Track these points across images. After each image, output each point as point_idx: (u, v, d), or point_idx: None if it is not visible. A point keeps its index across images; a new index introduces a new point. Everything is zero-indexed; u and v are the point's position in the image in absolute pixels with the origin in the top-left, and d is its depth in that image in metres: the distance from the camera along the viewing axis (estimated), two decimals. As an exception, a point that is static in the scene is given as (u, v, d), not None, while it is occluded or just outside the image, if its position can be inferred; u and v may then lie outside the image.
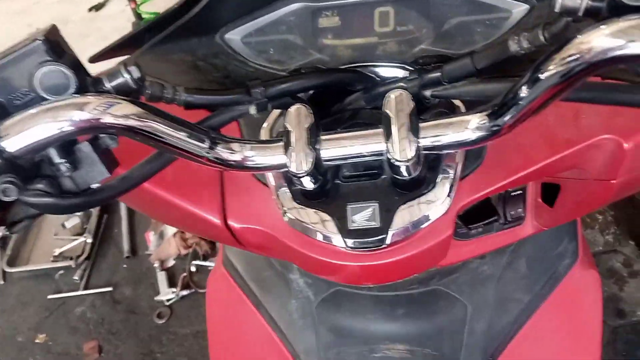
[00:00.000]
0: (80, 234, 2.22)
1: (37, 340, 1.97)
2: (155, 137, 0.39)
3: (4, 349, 1.97)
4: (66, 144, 0.39)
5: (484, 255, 0.78)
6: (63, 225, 2.26)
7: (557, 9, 0.34)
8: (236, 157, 0.42)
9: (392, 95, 0.43)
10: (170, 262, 2.08)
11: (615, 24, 0.31)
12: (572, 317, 0.83)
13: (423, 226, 0.46)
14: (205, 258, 2.04)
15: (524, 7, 0.57)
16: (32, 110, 0.36)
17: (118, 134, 0.40)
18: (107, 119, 0.37)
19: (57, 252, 2.19)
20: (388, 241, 0.46)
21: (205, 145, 0.41)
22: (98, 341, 1.92)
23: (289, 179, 0.49)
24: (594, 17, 0.33)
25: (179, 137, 0.40)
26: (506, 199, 0.58)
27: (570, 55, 0.33)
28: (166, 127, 0.39)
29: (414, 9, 0.65)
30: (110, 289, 2.06)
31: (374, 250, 0.47)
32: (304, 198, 0.48)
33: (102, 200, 0.42)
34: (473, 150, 0.50)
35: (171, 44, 0.63)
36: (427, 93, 0.46)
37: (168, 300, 1.97)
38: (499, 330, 0.80)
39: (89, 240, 2.18)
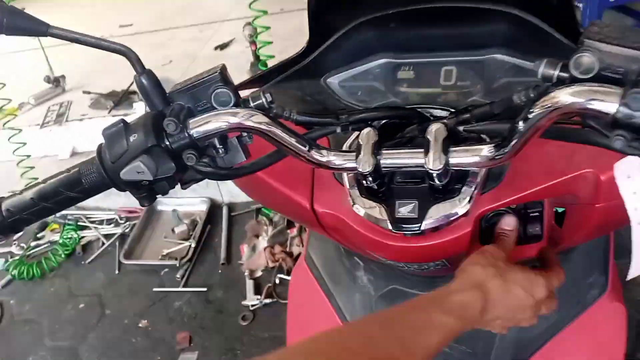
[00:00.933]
0: (186, 239, 2.52)
1: (140, 325, 2.25)
2: (275, 138, 0.62)
3: (112, 328, 2.28)
4: (223, 137, 0.63)
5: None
6: (173, 230, 2.58)
7: (539, 77, 0.54)
8: (324, 158, 0.65)
9: (433, 126, 0.63)
10: (259, 273, 2.31)
11: (571, 88, 0.50)
12: (594, 342, 0.94)
13: (448, 222, 0.65)
14: (289, 273, 2.23)
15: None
16: (209, 114, 0.60)
17: (254, 134, 0.63)
18: (248, 123, 0.61)
19: (165, 252, 2.49)
20: (422, 228, 0.65)
21: (305, 148, 0.64)
22: (190, 333, 2.18)
23: (359, 180, 0.70)
24: (562, 83, 0.52)
25: (289, 140, 0.63)
26: (526, 218, 0.75)
27: (546, 104, 0.52)
28: (283, 132, 0.62)
29: (472, 70, 0.84)
30: (205, 289, 2.31)
31: (412, 234, 0.66)
32: (368, 194, 0.69)
33: (238, 174, 0.65)
34: (494, 174, 0.68)
35: (288, 82, 0.88)
36: (461, 128, 0.66)
37: (252, 305, 2.17)
38: (527, 340, 0.93)
39: (193, 245, 2.46)
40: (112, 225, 2.74)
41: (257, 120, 0.61)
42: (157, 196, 0.63)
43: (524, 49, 0.80)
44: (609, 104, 0.47)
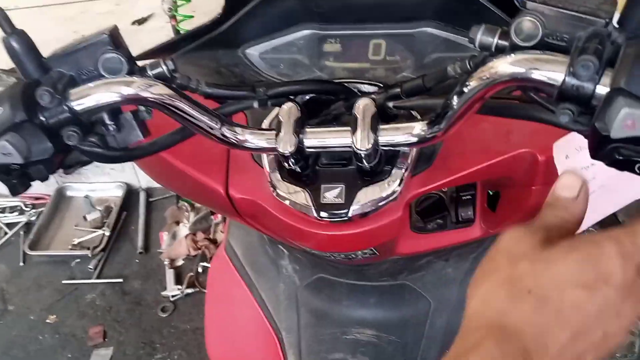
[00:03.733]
0: (100, 227, 2.35)
1: (47, 321, 2.09)
2: (180, 113, 0.53)
3: (16, 326, 2.09)
4: (115, 111, 0.53)
5: (448, 258, 0.90)
6: (85, 218, 2.41)
7: (476, 45, 0.48)
8: (238, 137, 0.56)
9: (360, 102, 0.56)
10: (180, 262, 2.20)
11: (511, 57, 0.45)
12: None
13: (377, 207, 0.59)
14: (212, 260, 2.17)
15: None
16: (94, 83, 0.50)
17: (153, 107, 0.54)
18: (145, 94, 0.51)
19: (76, 241, 2.31)
20: (349, 214, 0.59)
21: (216, 125, 0.55)
22: (103, 327, 2.04)
23: (280, 162, 0.62)
24: (502, 52, 0.47)
25: (197, 116, 0.54)
26: (458, 201, 0.70)
27: (483, 76, 0.46)
28: (188, 107, 0.53)
29: (402, 44, 0.79)
30: (120, 280, 2.18)
31: (338, 221, 0.60)
32: (290, 177, 0.62)
33: (133, 156, 0.56)
34: (425, 154, 0.63)
35: (200, 52, 0.78)
36: (391, 104, 0.60)
37: (173, 296, 2.07)
38: (457, 327, 0.91)
39: (107, 234, 2.30)
40: (16, 213, 2.51)
41: (157, 92, 0.52)
42: (32, 183, 0.52)
43: (456, 22, 0.75)
44: (554, 73, 0.42)
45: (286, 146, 0.56)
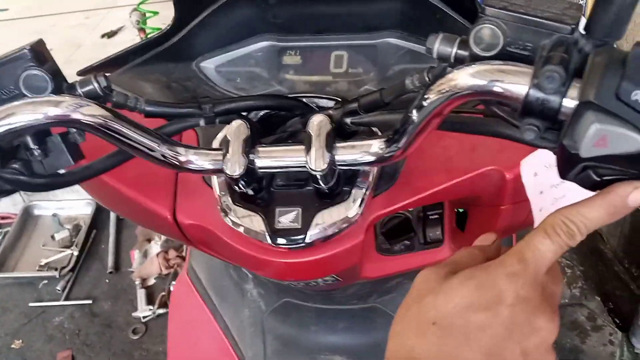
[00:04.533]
0: (68, 247, 2.26)
1: (13, 346, 1.99)
2: (115, 135, 0.48)
3: (-20, 352, 2.00)
4: (40, 134, 0.48)
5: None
6: (52, 237, 2.32)
7: (434, 55, 0.44)
8: (181, 158, 0.51)
9: (315, 118, 0.52)
10: (152, 281, 2.12)
11: (471, 68, 0.41)
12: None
13: (337, 230, 0.55)
14: (185, 279, 2.10)
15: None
16: (15, 103, 0.45)
17: (85, 130, 0.49)
18: (75, 116, 0.46)
19: (43, 262, 2.21)
20: (307, 240, 0.54)
21: (157, 146, 0.50)
22: (72, 351, 1.95)
23: (230, 184, 0.57)
24: (461, 63, 0.43)
25: (134, 137, 0.49)
26: (425, 221, 0.66)
27: (442, 89, 0.42)
28: (125, 128, 0.48)
29: (364, 56, 0.75)
30: (90, 301, 2.09)
31: (295, 248, 0.55)
32: (242, 201, 0.57)
33: (64, 183, 0.50)
34: (387, 173, 0.58)
35: (151, 65, 0.73)
36: (348, 121, 0.56)
37: (144, 317, 1.99)
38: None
39: (76, 253, 2.21)
40: (-20, 233, 2.41)
41: (88, 112, 0.47)
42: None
43: (420, 32, 0.72)
44: (517, 86, 0.38)
45: (234, 167, 0.51)
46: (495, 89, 0.39)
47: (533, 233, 0.38)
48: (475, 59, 0.42)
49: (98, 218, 2.40)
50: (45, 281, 2.19)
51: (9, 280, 2.22)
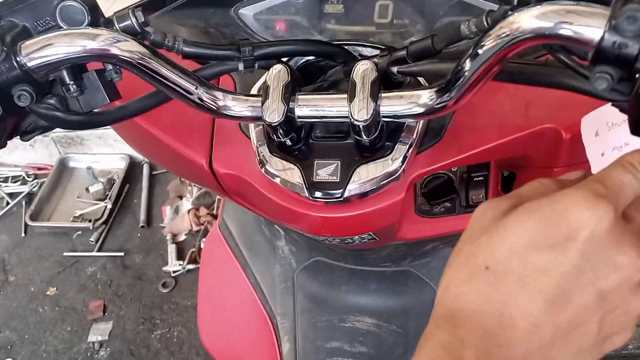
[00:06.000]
0: (102, 200, 2.31)
1: (47, 293, 2.06)
2: (152, 74, 0.46)
3: (17, 297, 2.06)
4: (76, 69, 0.46)
5: (456, 244, 0.83)
6: (87, 190, 2.36)
7: (497, -2, 0.40)
8: (219, 103, 0.49)
9: (360, 66, 0.49)
10: (182, 237, 2.15)
11: (537, 9, 0.37)
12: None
13: (377, 187, 0.52)
14: (214, 236, 2.11)
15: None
16: (51, 34, 0.43)
17: (121, 67, 0.47)
18: (113, 51, 0.44)
19: (77, 213, 2.27)
20: (345, 195, 0.52)
21: (194, 89, 0.48)
22: (104, 301, 2.01)
23: (269, 134, 0.55)
24: (526, 4, 0.39)
25: (172, 77, 0.47)
26: (469, 183, 0.63)
27: (502, 33, 0.39)
28: (162, 67, 0.46)
29: (411, 6, 0.71)
30: (122, 254, 2.14)
31: (333, 202, 0.53)
32: (280, 152, 0.55)
33: (100, 122, 0.49)
34: (434, 129, 0.55)
35: (188, 10, 0.71)
36: (395, 70, 0.52)
37: (174, 272, 2.03)
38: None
39: (109, 206, 2.25)
40: (19, 183, 2.47)
41: (126, 48, 0.45)
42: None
43: None
44: (590, 28, 0.34)
45: (273, 115, 0.49)
46: (564, 32, 0.35)
47: (609, 167, 0.33)
48: None
49: (131, 172, 2.43)
50: (79, 232, 2.24)
51: (44, 229, 2.28)
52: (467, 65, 0.42)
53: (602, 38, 0.33)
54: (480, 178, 0.63)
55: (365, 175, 0.52)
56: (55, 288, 2.08)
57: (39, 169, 2.50)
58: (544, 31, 0.36)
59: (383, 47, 0.56)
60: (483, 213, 0.36)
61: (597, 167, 0.45)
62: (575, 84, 0.40)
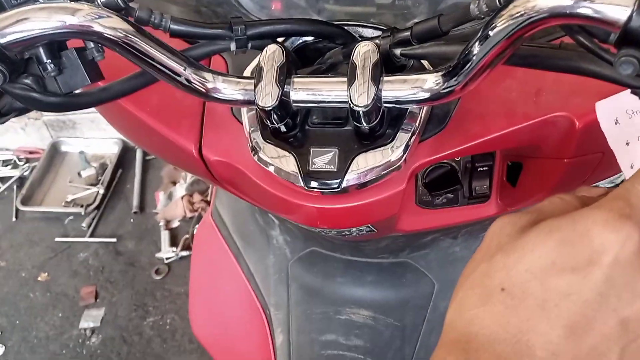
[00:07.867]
0: (94, 185, 2.27)
1: (39, 279, 2.03)
2: (137, 53, 0.43)
3: (7, 283, 2.04)
4: (55, 47, 0.43)
5: (456, 236, 0.80)
6: (79, 174, 2.32)
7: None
8: (208, 85, 0.46)
9: (361, 47, 0.46)
10: (175, 223, 2.12)
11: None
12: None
13: (377, 176, 0.49)
14: (208, 223, 2.09)
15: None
16: (26, 7, 0.40)
17: (104, 45, 0.43)
18: (95, 27, 0.41)
19: (69, 198, 2.23)
20: (343, 185, 0.49)
21: (182, 70, 0.45)
22: (96, 287, 1.98)
23: (262, 119, 0.52)
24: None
25: (158, 57, 0.44)
26: (473, 173, 0.60)
27: (515, 12, 0.35)
28: (148, 46, 0.43)
29: (414, -16, 0.67)
30: (114, 240, 2.11)
31: (330, 192, 0.50)
32: (273, 138, 0.52)
33: (80, 104, 0.45)
34: (437, 116, 0.52)
35: (179, -13, 0.67)
36: (398, 52, 0.49)
37: (167, 258, 2.00)
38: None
39: (101, 192, 2.21)
40: (9, 167, 2.43)
41: (109, 25, 0.41)
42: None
43: None
44: (617, 7, 0.31)
45: (267, 99, 0.45)
46: (586, 11, 0.32)
47: (633, 180, 0.30)
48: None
49: (124, 157, 2.39)
50: (71, 217, 2.21)
51: (36, 214, 2.24)
52: (477, 48, 0.39)
53: (630, 18, 0.30)
54: (485, 168, 0.60)
55: (365, 164, 0.49)
56: (46, 274, 2.05)
57: (31, 152, 2.46)
58: (564, 10, 0.33)
59: (385, 28, 0.53)
60: (500, 229, 0.33)
61: (625, 159, 0.42)
62: (594, 68, 0.37)
